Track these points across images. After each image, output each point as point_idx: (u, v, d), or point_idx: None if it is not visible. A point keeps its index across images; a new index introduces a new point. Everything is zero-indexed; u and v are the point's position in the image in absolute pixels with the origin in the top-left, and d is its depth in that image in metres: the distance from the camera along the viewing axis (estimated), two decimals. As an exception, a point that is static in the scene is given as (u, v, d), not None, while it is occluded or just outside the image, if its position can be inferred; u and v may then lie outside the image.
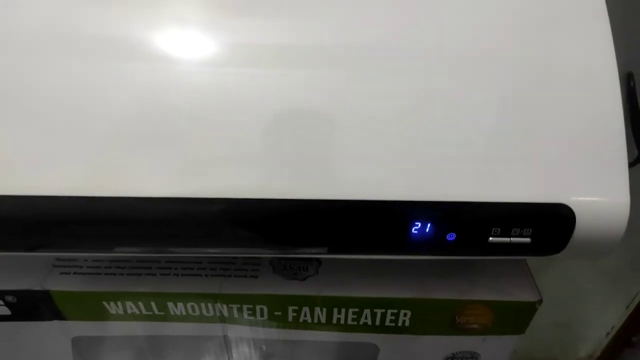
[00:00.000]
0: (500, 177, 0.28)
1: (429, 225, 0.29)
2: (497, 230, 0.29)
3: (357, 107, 0.29)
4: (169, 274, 0.37)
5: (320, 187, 0.28)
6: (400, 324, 0.37)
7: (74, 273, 0.36)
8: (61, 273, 0.36)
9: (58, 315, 0.37)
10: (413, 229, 0.29)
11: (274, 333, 0.38)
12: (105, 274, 0.36)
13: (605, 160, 0.29)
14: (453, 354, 0.40)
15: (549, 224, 0.29)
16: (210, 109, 0.28)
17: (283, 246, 0.30)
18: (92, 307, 0.36)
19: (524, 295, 0.36)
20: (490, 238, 0.29)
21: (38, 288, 0.35)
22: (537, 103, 0.29)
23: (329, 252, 0.30)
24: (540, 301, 0.36)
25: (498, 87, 0.29)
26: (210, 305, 0.36)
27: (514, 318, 0.37)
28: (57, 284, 0.35)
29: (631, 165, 0.42)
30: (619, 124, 0.29)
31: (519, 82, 0.30)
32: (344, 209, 0.28)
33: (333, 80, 0.29)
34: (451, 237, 0.29)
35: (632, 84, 0.39)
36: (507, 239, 0.29)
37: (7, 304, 0.35)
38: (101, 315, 0.37)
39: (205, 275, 0.37)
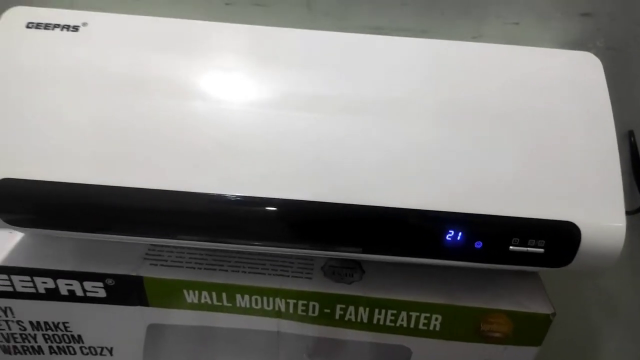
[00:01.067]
0: (522, 197, 0.36)
1: (460, 233, 0.36)
2: (517, 240, 0.35)
3: (404, 131, 0.37)
4: (238, 271, 0.44)
5: (376, 197, 0.36)
6: (432, 327, 0.43)
7: (161, 265, 0.44)
8: (150, 264, 0.44)
9: (142, 301, 0.44)
10: (447, 236, 0.36)
11: (321, 330, 0.44)
12: (186, 267, 0.44)
13: (607, 193, 0.36)
14: (477, 362, 0.45)
15: (559, 238, 0.35)
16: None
17: (342, 246, 0.37)
18: (173, 294, 0.43)
19: (539, 308, 0.42)
20: (511, 247, 0.36)
21: (134, 274, 0.42)
22: (556, 151, 0.37)
23: (378, 254, 0.38)
24: (554, 314, 0.41)
25: (524, 136, 0.37)
26: (271, 299, 0.43)
27: (531, 329, 0.42)
28: (148, 272, 0.43)
29: (634, 212, 0.49)
30: (616, 168, 0.37)
31: (542, 136, 0.37)
32: (393, 215, 0.36)
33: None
34: (478, 244, 0.36)
35: (632, 139, 0.46)
36: (524, 249, 0.36)
37: (105, 287, 0.43)
38: (179, 303, 0.44)
39: (268, 274, 0.44)
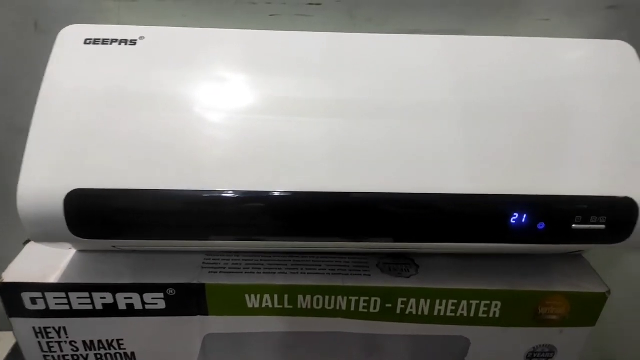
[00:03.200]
0: (581, 176, 0.37)
1: (525, 215, 0.37)
2: (579, 219, 0.37)
3: (460, 121, 0.38)
4: (297, 273, 0.44)
5: (442, 184, 0.37)
6: (492, 314, 0.44)
7: (220, 272, 0.44)
8: (210, 272, 0.44)
9: (202, 310, 0.44)
10: (512, 219, 0.37)
11: (382, 327, 0.45)
12: (245, 272, 0.44)
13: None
14: (534, 347, 0.46)
15: (619, 213, 0.37)
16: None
17: (414, 237, 0.38)
18: (234, 300, 0.43)
19: (594, 288, 0.43)
20: (574, 225, 0.37)
21: (195, 281, 0.42)
22: (609, 131, 0.39)
23: (447, 242, 0.39)
24: (609, 292, 0.43)
25: (578, 119, 0.39)
26: (332, 298, 0.43)
27: (587, 309, 0.44)
28: (210, 279, 0.43)
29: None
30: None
31: (594, 119, 0.39)
32: (461, 202, 0.37)
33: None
34: (541, 225, 0.38)
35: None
36: (587, 226, 0.37)
37: (166, 297, 0.43)
38: (240, 309, 0.44)
39: (327, 274, 0.44)
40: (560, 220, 0.37)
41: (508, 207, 0.37)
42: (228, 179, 0.36)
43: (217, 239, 0.37)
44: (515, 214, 0.37)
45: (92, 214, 0.35)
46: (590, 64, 0.41)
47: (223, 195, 0.35)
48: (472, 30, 0.45)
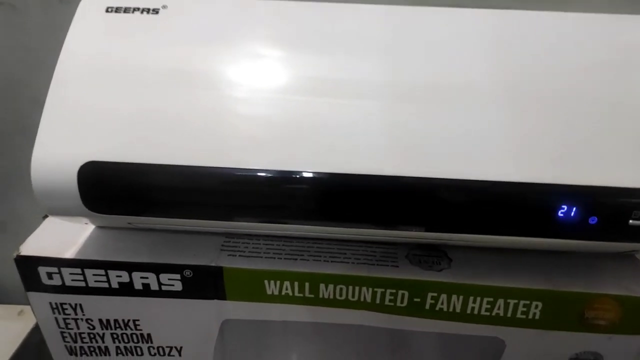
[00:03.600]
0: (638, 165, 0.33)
1: (575, 208, 0.33)
2: (638, 214, 0.33)
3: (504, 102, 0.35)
4: (320, 260, 0.42)
5: (481, 170, 0.33)
6: (530, 315, 0.40)
7: (239, 255, 0.42)
8: (228, 255, 0.42)
9: (219, 295, 0.42)
10: (560, 212, 0.33)
11: (409, 322, 0.42)
12: (265, 257, 0.42)
13: None
14: (577, 354, 0.42)
15: (684, 209, 0.32)
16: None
17: (453, 226, 0.35)
18: (253, 286, 0.41)
19: (649, 292, 0.39)
20: (631, 221, 0.33)
21: (213, 264, 0.40)
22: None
23: (486, 234, 0.35)
24: (667, 298, 0.38)
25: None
26: (357, 288, 0.40)
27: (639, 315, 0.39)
28: (228, 262, 0.41)
29: None
30: None
31: None
32: (501, 189, 0.33)
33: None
34: (593, 220, 0.33)
35: None
36: (646, 222, 0.33)
37: (182, 279, 0.41)
38: (258, 295, 0.41)
39: (352, 263, 0.41)
40: (616, 215, 0.33)
41: (556, 197, 0.33)
42: (252, 158, 0.33)
43: (236, 219, 0.35)
44: (564, 206, 0.33)
45: (106, 188, 0.34)
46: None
47: (244, 173, 0.33)
48: (523, 6, 0.41)
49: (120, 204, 0.34)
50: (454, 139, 0.34)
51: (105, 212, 0.34)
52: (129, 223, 0.39)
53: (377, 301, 0.41)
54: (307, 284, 0.41)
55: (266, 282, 0.41)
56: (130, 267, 0.40)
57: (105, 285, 0.41)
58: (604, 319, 0.40)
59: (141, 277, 0.41)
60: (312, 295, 0.41)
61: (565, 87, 0.35)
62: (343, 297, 0.41)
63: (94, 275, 0.41)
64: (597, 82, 0.36)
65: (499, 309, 0.40)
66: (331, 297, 0.41)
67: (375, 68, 0.36)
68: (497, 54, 0.37)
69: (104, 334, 0.45)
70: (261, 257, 0.42)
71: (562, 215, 0.33)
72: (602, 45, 0.37)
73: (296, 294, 0.41)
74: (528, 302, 0.39)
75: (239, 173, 0.33)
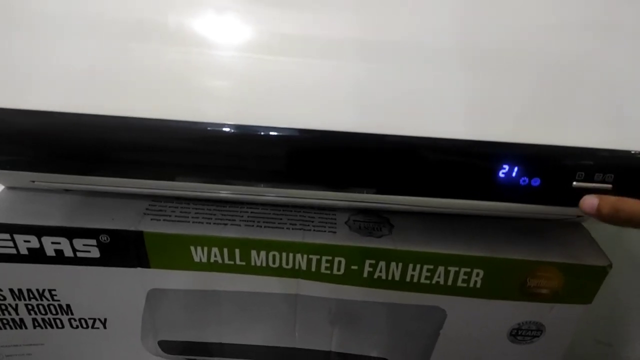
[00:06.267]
0: (586, 123, 0.31)
1: (516, 168, 0.31)
2: (582, 175, 0.31)
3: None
4: (252, 225, 0.39)
5: (416, 126, 0.31)
6: (472, 284, 0.38)
7: (164, 220, 0.38)
8: (152, 219, 0.38)
9: (143, 262, 0.38)
10: (501, 172, 0.31)
11: (346, 291, 0.39)
12: (193, 222, 0.38)
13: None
14: (519, 324, 0.41)
15: (631, 171, 0.31)
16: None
17: (381, 186, 0.32)
18: (178, 253, 0.38)
19: (594, 260, 0.37)
20: (574, 183, 0.31)
21: (132, 229, 0.37)
22: (623, 72, 0.32)
23: (420, 195, 0.33)
24: (610, 266, 0.37)
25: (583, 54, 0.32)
26: (291, 255, 0.38)
27: (583, 284, 0.38)
28: (150, 227, 0.37)
29: None
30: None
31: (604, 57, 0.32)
32: (438, 147, 0.31)
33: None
34: (536, 182, 0.31)
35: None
36: (590, 185, 0.31)
37: (99, 245, 0.37)
38: (184, 263, 0.38)
39: (287, 228, 0.39)
40: (559, 176, 0.31)
41: (496, 157, 0.31)
42: (165, 108, 0.30)
43: (136, 176, 0.31)
44: (504, 166, 0.31)
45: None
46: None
47: (165, 124, 0.29)
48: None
49: (11, 157, 0.30)
50: (393, 95, 0.31)
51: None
52: (32, 181, 0.34)
53: (313, 269, 0.38)
54: (237, 251, 0.38)
55: (192, 248, 0.38)
56: (39, 231, 0.36)
57: (13, 251, 0.37)
58: (547, 288, 0.38)
59: (52, 243, 0.37)
60: (243, 263, 0.38)
61: (512, 45, 0.33)
62: (277, 265, 0.38)
63: (-2, 240, 0.37)
64: (546, 41, 0.33)
65: (439, 277, 0.38)
66: (264, 264, 0.38)
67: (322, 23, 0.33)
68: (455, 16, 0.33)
69: (17, 305, 0.41)
70: (189, 221, 0.38)
71: (502, 175, 0.31)
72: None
73: (226, 261, 0.38)
74: (469, 269, 0.37)
75: (157, 124, 0.29)
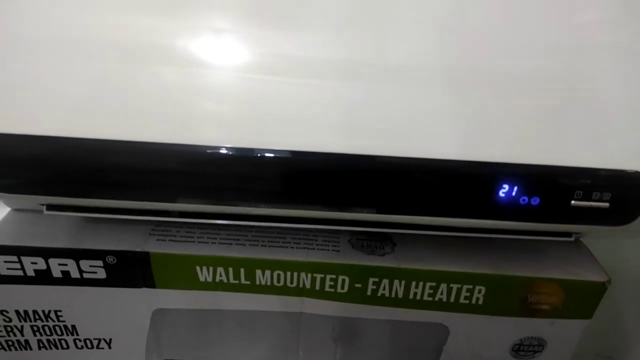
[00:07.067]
0: (583, 144, 0.32)
1: (516, 187, 0.32)
2: (580, 194, 0.32)
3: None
4: (257, 245, 0.39)
5: (417, 147, 0.31)
6: (474, 301, 0.39)
7: (170, 240, 0.39)
8: (157, 240, 0.39)
9: (148, 282, 0.39)
10: (500, 192, 0.32)
11: (350, 309, 0.40)
12: (198, 242, 0.39)
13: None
14: (521, 339, 0.41)
15: (627, 190, 0.32)
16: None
17: (383, 207, 0.33)
18: (184, 273, 0.38)
19: (593, 276, 0.38)
20: (573, 201, 0.32)
21: (139, 249, 0.37)
22: (621, 95, 0.33)
23: (421, 215, 0.33)
24: (609, 281, 0.38)
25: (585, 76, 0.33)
26: (295, 274, 0.38)
27: (583, 299, 0.39)
28: (156, 247, 0.38)
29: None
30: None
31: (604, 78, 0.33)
32: (440, 169, 0.31)
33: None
34: (535, 201, 0.32)
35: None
36: (588, 203, 0.32)
37: (105, 265, 0.38)
38: (190, 282, 0.39)
39: (291, 247, 0.39)
40: (558, 195, 0.32)
41: (497, 177, 0.32)
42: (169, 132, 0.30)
43: (145, 199, 0.32)
44: (504, 186, 0.32)
45: (6, 162, 0.30)
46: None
47: (168, 148, 0.30)
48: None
49: (17, 180, 0.31)
50: (393, 116, 0.32)
51: (5, 191, 0.31)
52: (42, 204, 0.35)
53: (317, 287, 0.39)
54: (242, 270, 0.38)
55: (198, 268, 0.38)
56: (46, 253, 0.37)
57: (20, 273, 0.37)
58: (547, 304, 0.39)
59: (59, 264, 0.37)
60: (248, 282, 0.39)
61: (509, 66, 0.34)
62: (281, 284, 0.39)
63: (5, 262, 0.37)
64: (543, 61, 0.34)
65: (441, 294, 0.39)
66: (268, 283, 0.39)
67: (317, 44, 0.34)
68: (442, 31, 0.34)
69: (22, 326, 0.41)
70: (193, 242, 0.39)
71: (503, 195, 0.32)
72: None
73: (231, 280, 0.39)
74: (471, 286, 0.38)
75: (161, 148, 0.30)
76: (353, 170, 0.31)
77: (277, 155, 0.30)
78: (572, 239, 0.37)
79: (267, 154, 0.30)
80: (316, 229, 0.41)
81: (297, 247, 0.39)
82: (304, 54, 0.33)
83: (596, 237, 0.42)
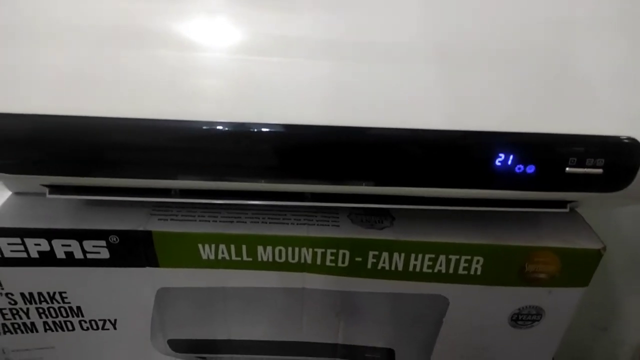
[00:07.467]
0: (577, 111, 0.32)
1: (512, 156, 0.32)
2: (574, 160, 0.32)
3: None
4: (258, 222, 0.40)
5: (414, 118, 0.32)
6: (472, 271, 0.39)
7: (171, 219, 0.39)
8: (159, 219, 0.39)
9: (152, 261, 0.39)
10: (497, 161, 0.33)
11: (351, 283, 0.40)
12: (199, 220, 0.39)
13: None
14: (519, 309, 0.42)
15: (620, 156, 0.32)
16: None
17: (381, 179, 0.33)
18: (186, 251, 0.39)
19: (588, 244, 0.39)
20: (567, 168, 0.32)
21: (141, 229, 0.38)
22: (615, 61, 0.33)
23: (419, 186, 0.34)
24: (604, 248, 0.39)
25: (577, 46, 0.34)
26: (296, 250, 0.39)
27: (579, 267, 0.39)
28: (158, 226, 0.38)
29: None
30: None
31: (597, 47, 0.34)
32: (437, 139, 0.32)
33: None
34: (531, 169, 0.33)
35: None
36: (582, 170, 0.32)
37: (109, 245, 0.38)
38: (193, 261, 0.39)
39: (291, 223, 0.40)
40: (553, 163, 0.32)
41: (493, 146, 0.32)
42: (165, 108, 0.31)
43: (145, 176, 0.32)
44: (500, 155, 0.32)
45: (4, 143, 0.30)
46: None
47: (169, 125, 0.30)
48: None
49: (21, 160, 0.31)
50: (388, 88, 0.32)
51: (7, 171, 0.31)
52: (44, 186, 0.35)
53: (318, 262, 0.39)
54: (244, 247, 0.39)
55: (200, 246, 0.38)
56: (49, 234, 0.37)
57: (24, 255, 0.38)
58: (544, 273, 0.39)
59: (63, 245, 0.38)
60: (250, 259, 0.39)
61: (502, 37, 0.34)
62: (282, 260, 0.39)
63: (9, 244, 0.37)
64: (538, 30, 0.34)
65: (440, 265, 0.39)
66: (270, 259, 0.39)
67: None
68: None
69: (27, 309, 0.41)
70: (195, 220, 0.39)
71: (499, 164, 0.32)
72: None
73: (233, 257, 0.39)
74: (469, 257, 0.39)
75: (158, 124, 0.30)
76: (350, 142, 0.32)
77: (272, 129, 0.31)
78: (567, 209, 0.38)
79: (263, 129, 0.31)
80: (316, 206, 0.42)
81: (297, 224, 0.40)
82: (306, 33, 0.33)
83: (590, 206, 0.43)
